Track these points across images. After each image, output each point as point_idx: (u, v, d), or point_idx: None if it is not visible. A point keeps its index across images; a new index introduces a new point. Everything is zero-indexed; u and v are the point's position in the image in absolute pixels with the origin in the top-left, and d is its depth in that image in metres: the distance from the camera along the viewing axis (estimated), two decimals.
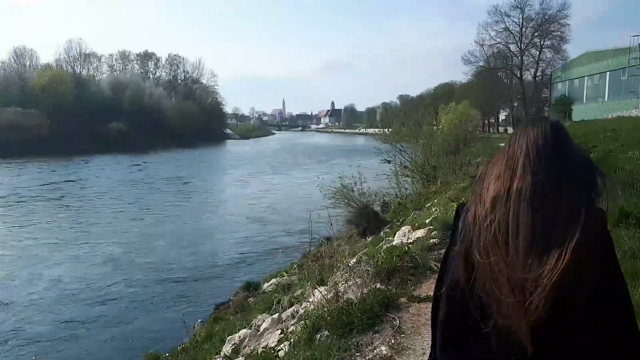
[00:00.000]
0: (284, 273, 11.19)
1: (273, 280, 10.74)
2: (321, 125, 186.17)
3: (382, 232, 11.33)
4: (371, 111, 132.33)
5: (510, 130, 55.69)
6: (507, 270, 1.03)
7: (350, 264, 5.26)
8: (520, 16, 51.04)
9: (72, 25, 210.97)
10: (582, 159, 1.09)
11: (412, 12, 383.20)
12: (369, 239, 11.80)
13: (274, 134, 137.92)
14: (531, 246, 1.02)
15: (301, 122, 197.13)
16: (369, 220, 12.02)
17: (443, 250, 5.78)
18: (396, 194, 16.63)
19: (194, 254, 13.38)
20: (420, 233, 6.70)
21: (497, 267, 1.04)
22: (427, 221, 7.51)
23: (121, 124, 69.07)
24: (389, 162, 17.82)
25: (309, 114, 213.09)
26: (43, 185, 29.02)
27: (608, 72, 37.02)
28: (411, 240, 6.42)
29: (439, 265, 1.31)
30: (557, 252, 0.98)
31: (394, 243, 6.50)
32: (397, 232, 7.55)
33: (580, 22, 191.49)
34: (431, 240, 5.99)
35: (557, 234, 1.00)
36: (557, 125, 1.15)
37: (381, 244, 7.18)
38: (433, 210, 9.09)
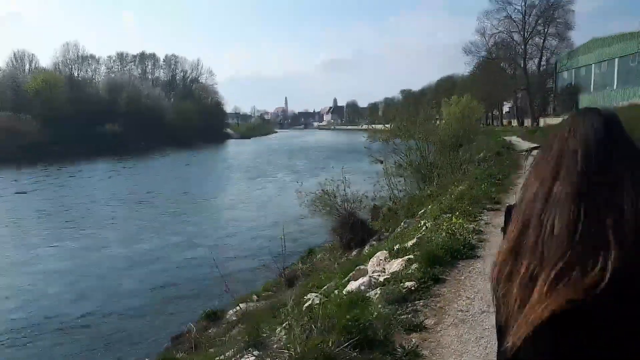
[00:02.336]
0: (254, 296, 9.73)
1: (240, 306, 9.26)
2: (323, 123, 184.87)
3: (366, 247, 9.80)
4: (373, 107, 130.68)
5: (514, 122, 53.91)
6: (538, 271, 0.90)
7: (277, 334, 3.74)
8: (523, 3, 49.13)
9: (71, 29, 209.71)
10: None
11: (413, 7, 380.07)
12: (354, 252, 10.31)
13: (276, 132, 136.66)
14: (575, 247, 0.89)
15: (303, 120, 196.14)
16: (353, 230, 10.49)
17: (420, 304, 4.27)
18: (389, 197, 15.11)
19: (150, 275, 11.71)
20: (396, 265, 5.17)
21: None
22: (409, 244, 6.00)
23: (117, 126, 67.90)
24: (382, 162, 16.29)
25: (311, 111, 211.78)
26: (19, 193, 27.78)
27: (617, 59, 35.27)
28: (382, 278, 4.90)
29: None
30: (606, 254, 0.86)
31: (359, 283, 4.95)
32: (372, 259, 6.03)
33: (585, 11, 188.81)
34: (407, 284, 4.44)
35: (606, 235, 0.87)
36: (609, 116, 0.99)
37: (346, 279, 5.69)
38: (422, 224, 7.55)
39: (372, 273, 5.36)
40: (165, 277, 11.54)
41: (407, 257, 5.31)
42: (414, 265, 4.96)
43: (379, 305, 4.03)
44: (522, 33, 49.81)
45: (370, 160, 16.85)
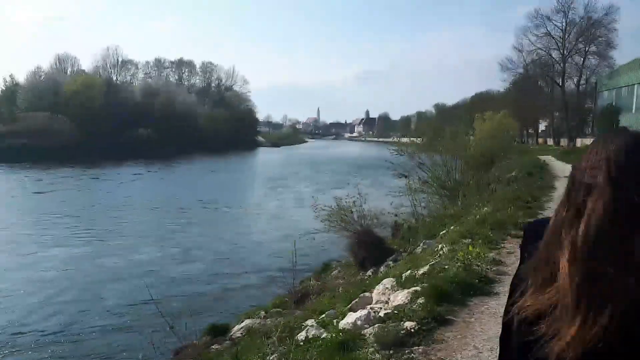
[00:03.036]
0: (262, 312, 9.33)
1: (246, 322, 8.87)
2: (354, 134, 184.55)
3: (381, 267, 9.29)
4: (406, 120, 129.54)
5: (550, 141, 52.26)
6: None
7: None
8: (564, 20, 47.73)
9: (111, 34, 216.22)
10: None
11: (451, 23, 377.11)
12: (369, 272, 9.80)
13: (306, 142, 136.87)
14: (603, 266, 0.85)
15: (334, 131, 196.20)
16: (368, 249, 9.98)
17: (419, 351, 3.69)
18: (413, 214, 14.54)
19: (152, 286, 11.21)
20: (401, 297, 4.64)
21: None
22: (420, 272, 5.44)
23: (150, 130, 69.09)
24: (406, 176, 15.76)
25: (343, 122, 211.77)
26: (37, 193, 28.21)
27: None
28: (383, 312, 4.38)
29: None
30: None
31: (357, 316, 4.41)
32: (378, 286, 5.50)
33: (628, 30, 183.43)
34: (406, 324, 3.89)
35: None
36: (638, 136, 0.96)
37: (348, 307, 5.20)
38: (439, 248, 6.97)
39: (375, 303, 4.88)
40: (169, 288, 11.15)
41: (414, 288, 4.78)
42: (420, 300, 4.42)
43: (371, 349, 3.55)
44: (561, 51, 48.36)
45: (394, 174, 16.33)
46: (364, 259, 9.92)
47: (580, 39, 47.59)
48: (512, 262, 5.65)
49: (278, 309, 9.29)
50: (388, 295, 5.03)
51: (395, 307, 4.42)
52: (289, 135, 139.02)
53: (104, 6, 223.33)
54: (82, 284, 12.11)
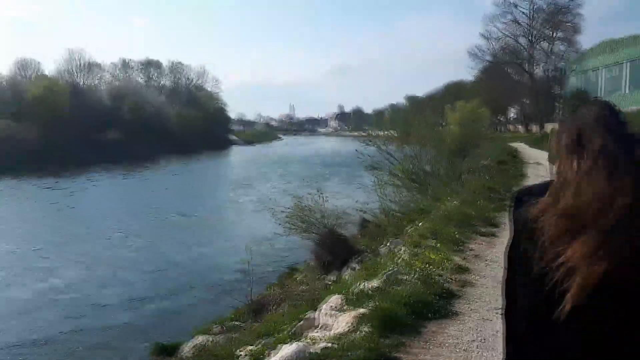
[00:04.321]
0: (217, 326, 8.57)
1: (200, 339, 8.11)
2: (329, 129, 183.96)
3: (345, 270, 8.62)
4: (379, 113, 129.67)
5: (520, 128, 52.51)
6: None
7: None
8: (530, 6, 47.81)
9: (75, 36, 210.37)
10: None
11: (420, 11, 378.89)
12: (333, 276, 9.12)
13: (281, 139, 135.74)
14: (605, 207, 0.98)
15: (309, 126, 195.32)
16: (332, 250, 9.30)
17: None
18: (382, 209, 13.91)
19: (94, 304, 10.19)
20: (344, 323, 3.89)
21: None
22: (373, 285, 4.64)
23: (119, 133, 67.37)
24: (375, 168, 15.18)
25: (318, 118, 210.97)
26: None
27: (627, 62, 33.91)
28: (320, 344, 3.62)
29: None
30: None
31: (289, 352, 3.65)
32: (324, 305, 4.71)
33: (596, 16, 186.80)
34: None
35: None
36: (610, 103, 1.19)
37: (292, 331, 4.46)
38: (400, 251, 6.25)
39: (319, 329, 4.17)
40: (110, 310, 10.05)
41: (361, 310, 4.06)
42: (365, 328, 3.70)
43: None
44: (528, 37, 48.50)
45: (365, 168, 15.70)
46: (327, 262, 9.25)
47: (546, 25, 47.80)
48: (479, 270, 4.88)
49: (235, 322, 8.57)
50: (334, 317, 4.30)
51: (335, 338, 3.70)
52: (263, 132, 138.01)
53: (66, 9, 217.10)
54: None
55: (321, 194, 9.92)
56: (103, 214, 22.57)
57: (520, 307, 1.09)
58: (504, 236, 6.04)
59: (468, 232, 6.32)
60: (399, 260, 5.43)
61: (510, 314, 1.15)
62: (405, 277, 4.56)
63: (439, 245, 5.50)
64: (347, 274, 8.32)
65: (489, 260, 5.01)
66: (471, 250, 5.64)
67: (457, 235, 5.93)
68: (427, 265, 4.69)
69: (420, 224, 9.15)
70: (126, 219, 21.21)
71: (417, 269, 4.58)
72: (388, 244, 8.79)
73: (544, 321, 1.00)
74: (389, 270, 4.86)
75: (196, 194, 29.97)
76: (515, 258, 1.12)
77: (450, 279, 4.57)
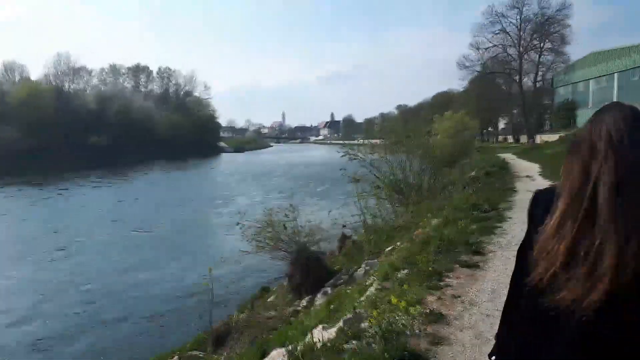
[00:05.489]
0: (175, 356, 7.77)
1: None
2: (320, 137, 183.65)
3: (318, 295, 7.88)
4: (369, 122, 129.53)
5: (510, 139, 52.23)
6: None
7: None
8: (518, 17, 47.69)
9: (64, 40, 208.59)
10: None
11: (411, 23, 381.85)
12: (304, 301, 8.36)
13: (271, 146, 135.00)
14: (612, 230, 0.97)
15: (300, 134, 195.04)
16: (304, 271, 8.56)
17: None
18: (364, 222, 13.18)
19: (40, 332, 9.30)
20: None
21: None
22: (326, 338, 3.61)
23: (104, 138, 66.38)
24: (358, 181, 14.46)
25: (309, 125, 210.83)
26: None
27: (616, 73, 33.68)
28: None
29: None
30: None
31: None
32: None
33: (584, 27, 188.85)
34: None
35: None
36: (636, 109, 1.11)
37: None
38: (370, 282, 5.42)
39: None
40: (62, 339, 9.26)
41: None
42: None
43: None
44: (517, 48, 48.35)
45: (348, 180, 14.95)
46: (299, 285, 8.49)
47: (535, 36, 47.71)
48: (457, 316, 3.86)
49: (195, 352, 7.77)
50: None
51: None
52: (252, 140, 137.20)
53: (56, 12, 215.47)
54: None
55: (293, 209, 9.17)
56: (56, 228, 20.86)
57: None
58: (489, 269, 5.30)
59: (447, 261, 5.36)
60: (363, 299, 4.60)
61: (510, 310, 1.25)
62: (365, 325, 3.72)
63: (411, 278, 4.68)
64: (318, 300, 7.58)
65: (469, 303, 4.07)
66: (449, 287, 4.57)
67: (433, 266, 5.02)
68: (393, 311, 3.79)
69: (398, 243, 8.44)
70: (82, 233, 19.64)
71: (380, 318, 3.60)
72: (364, 265, 8.08)
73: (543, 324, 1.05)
74: (347, 316, 3.98)
75: (168, 205, 27.80)
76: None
77: (419, 332, 3.56)
